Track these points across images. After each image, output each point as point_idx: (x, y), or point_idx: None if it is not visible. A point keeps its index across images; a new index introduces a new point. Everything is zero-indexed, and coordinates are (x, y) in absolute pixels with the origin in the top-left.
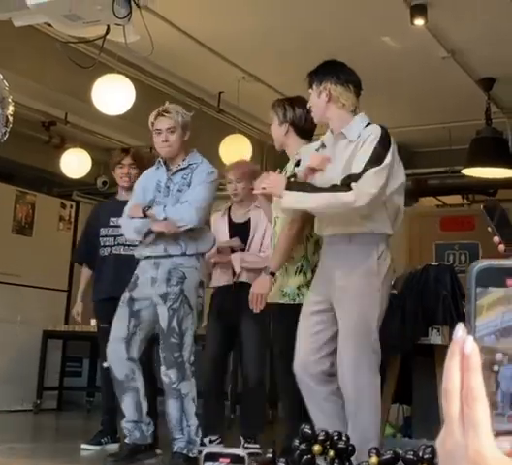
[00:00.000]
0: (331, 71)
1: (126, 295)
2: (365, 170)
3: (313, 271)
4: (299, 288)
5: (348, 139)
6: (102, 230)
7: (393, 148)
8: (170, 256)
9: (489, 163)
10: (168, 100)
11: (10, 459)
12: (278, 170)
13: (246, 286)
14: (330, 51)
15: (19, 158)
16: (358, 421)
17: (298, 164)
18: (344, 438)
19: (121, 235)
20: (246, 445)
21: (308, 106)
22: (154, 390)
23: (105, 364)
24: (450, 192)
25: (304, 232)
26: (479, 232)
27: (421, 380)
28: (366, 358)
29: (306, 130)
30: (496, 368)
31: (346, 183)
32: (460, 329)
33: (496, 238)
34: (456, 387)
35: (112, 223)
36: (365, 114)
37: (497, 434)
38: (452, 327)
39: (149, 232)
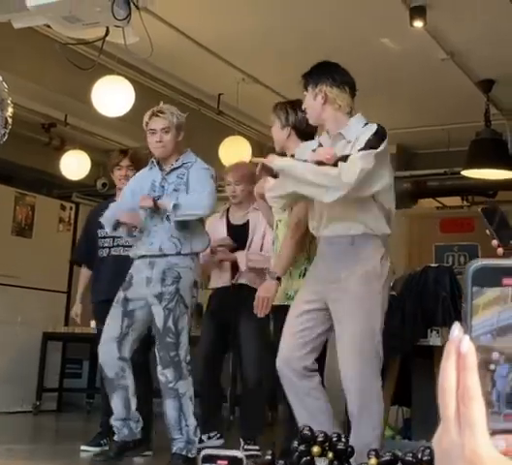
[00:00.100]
0: (326, 72)
1: (120, 295)
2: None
3: None
4: None
5: (347, 140)
6: (100, 231)
7: (385, 144)
8: (165, 255)
9: (488, 164)
10: (167, 101)
11: (9, 461)
12: None
13: (245, 288)
14: (329, 53)
15: (19, 159)
16: (361, 424)
17: None
18: (343, 439)
19: (120, 237)
20: (246, 446)
21: (303, 107)
22: (150, 392)
23: None
24: (449, 193)
25: (307, 237)
26: (478, 234)
27: (420, 381)
28: (370, 361)
29: (308, 133)
30: (492, 367)
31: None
32: (456, 329)
33: (495, 241)
34: (452, 386)
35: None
36: (361, 115)
37: (493, 433)
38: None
39: (117, 223)
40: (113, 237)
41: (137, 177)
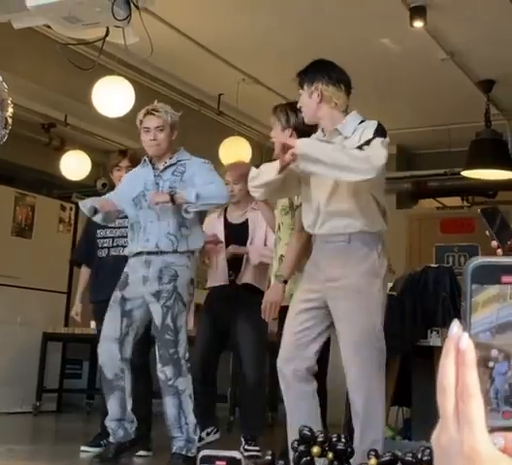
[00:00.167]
0: (321, 70)
1: (117, 295)
2: (371, 139)
3: None
4: None
5: (343, 136)
6: (100, 231)
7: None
8: (161, 252)
9: (488, 165)
10: (167, 102)
11: (9, 461)
12: None
13: (249, 287)
14: (329, 53)
15: (19, 160)
16: (365, 423)
17: None
18: (343, 440)
19: (119, 237)
20: (246, 447)
21: (298, 106)
22: (150, 393)
23: None
24: (450, 194)
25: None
26: (479, 235)
27: (420, 382)
28: (372, 359)
29: (308, 133)
30: (490, 365)
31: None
32: (455, 326)
33: (495, 242)
34: (451, 383)
35: (110, 224)
36: (357, 112)
37: (492, 430)
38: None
39: (94, 209)
40: (113, 238)
41: (128, 177)
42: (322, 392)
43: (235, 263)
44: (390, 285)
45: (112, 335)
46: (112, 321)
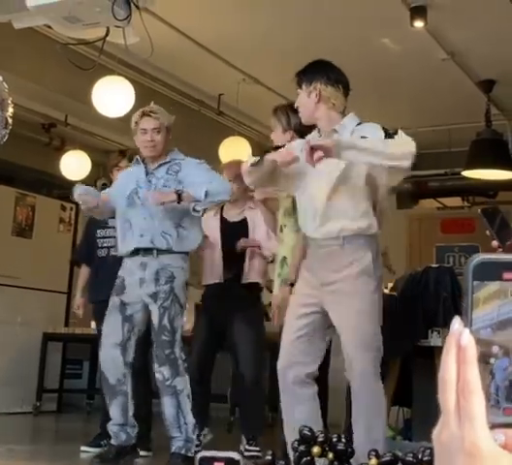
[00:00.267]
0: (320, 71)
1: (115, 300)
2: (390, 135)
3: None
4: None
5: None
6: (100, 231)
7: None
8: (156, 250)
9: (489, 165)
10: (168, 102)
11: (9, 461)
12: None
13: (254, 286)
14: (330, 53)
15: (19, 160)
16: (368, 423)
17: None
18: (343, 440)
19: None
20: (247, 447)
21: (296, 105)
22: (150, 393)
23: None
24: (450, 194)
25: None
26: (479, 235)
27: (421, 382)
28: (374, 360)
29: (306, 134)
30: (491, 361)
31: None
32: (456, 322)
33: (495, 242)
34: (452, 379)
35: (110, 224)
36: (354, 114)
37: (493, 426)
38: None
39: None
40: (113, 237)
41: (121, 176)
42: (323, 394)
43: (231, 261)
44: (390, 285)
45: (113, 341)
46: (113, 326)
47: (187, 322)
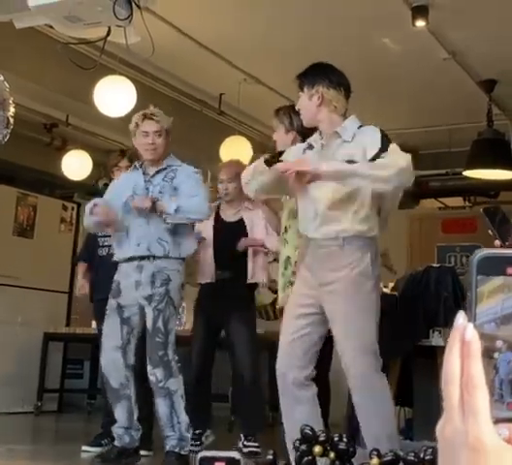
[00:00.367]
0: (321, 73)
1: (112, 303)
2: (384, 148)
3: None
4: None
5: (343, 139)
6: None
7: None
8: (153, 257)
9: (490, 165)
10: (169, 102)
11: (10, 461)
12: None
13: (254, 286)
14: (331, 53)
15: (21, 160)
16: (368, 425)
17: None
18: (345, 439)
19: None
20: (246, 443)
21: (297, 108)
22: (150, 393)
23: None
24: (451, 194)
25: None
26: (481, 235)
27: (422, 382)
28: (373, 360)
29: (309, 136)
30: (495, 355)
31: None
32: (460, 317)
33: (498, 242)
34: (456, 373)
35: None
36: (355, 117)
37: (497, 421)
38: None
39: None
40: None
41: (117, 183)
42: (324, 394)
43: (226, 261)
44: (391, 285)
45: (114, 344)
46: (112, 329)
47: (186, 321)
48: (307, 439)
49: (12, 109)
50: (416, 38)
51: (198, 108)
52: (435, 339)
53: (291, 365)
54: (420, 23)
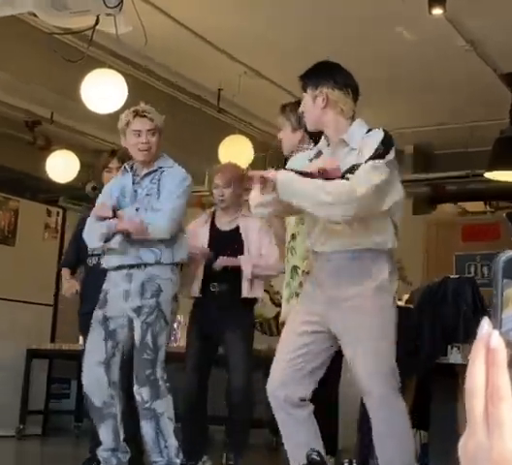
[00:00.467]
0: (326, 73)
1: (98, 314)
2: (371, 157)
3: None
4: None
5: (350, 147)
6: None
7: (393, 151)
8: (144, 265)
9: None
10: (163, 97)
11: None
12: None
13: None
14: (341, 43)
15: (1, 160)
16: (388, 449)
17: None
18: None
19: None
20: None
21: (300, 111)
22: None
23: None
24: (471, 198)
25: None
26: (504, 242)
27: (440, 403)
28: (392, 381)
29: (320, 135)
30: None
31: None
32: (485, 323)
33: None
34: (480, 384)
35: None
36: (362, 120)
37: None
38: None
39: (113, 235)
40: None
41: (108, 187)
42: (333, 414)
43: (223, 273)
44: (406, 297)
45: (96, 359)
46: (95, 343)
47: (181, 337)
48: (314, 464)
49: None
50: (433, 27)
51: (195, 105)
52: (454, 356)
53: (285, 383)
54: (437, 11)
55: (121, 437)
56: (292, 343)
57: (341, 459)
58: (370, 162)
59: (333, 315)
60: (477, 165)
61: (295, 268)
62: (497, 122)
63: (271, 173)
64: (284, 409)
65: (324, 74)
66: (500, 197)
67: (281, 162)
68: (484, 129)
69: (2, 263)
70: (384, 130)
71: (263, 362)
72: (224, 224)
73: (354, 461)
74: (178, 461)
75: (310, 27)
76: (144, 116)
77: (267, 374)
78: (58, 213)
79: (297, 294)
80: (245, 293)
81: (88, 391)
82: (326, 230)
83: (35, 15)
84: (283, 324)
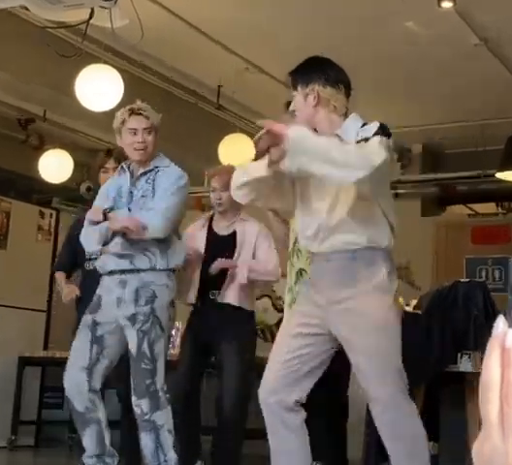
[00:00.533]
0: (317, 69)
1: (88, 318)
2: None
3: None
4: None
5: (345, 142)
6: None
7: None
8: (137, 271)
9: None
10: (160, 94)
11: None
12: None
13: (230, 307)
14: (346, 38)
15: None
16: (399, 458)
17: None
18: None
19: None
20: None
21: (291, 109)
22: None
23: None
24: (482, 199)
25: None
26: None
27: (449, 413)
28: (399, 381)
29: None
30: None
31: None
32: (501, 322)
33: None
34: (495, 384)
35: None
36: (357, 114)
37: None
38: (485, 353)
39: (112, 237)
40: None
41: (105, 188)
42: (342, 423)
43: (214, 280)
44: (414, 302)
45: (80, 364)
46: (80, 347)
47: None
48: None
49: None
50: (443, 21)
51: (193, 102)
52: (464, 364)
53: (279, 386)
54: (446, 4)
55: (107, 441)
56: (286, 345)
57: None
58: (377, 137)
59: (332, 317)
60: (488, 164)
61: (301, 272)
62: (510, 120)
63: (281, 127)
64: (277, 414)
65: (315, 70)
66: None
67: None
68: (496, 127)
69: None
70: (380, 122)
71: (263, 370)
72: (222, 228)
73: None
74: None
75: (319, 20)
76: (140, 114)
77: None
78: (51, 215)
79: None
80: (231, 300)
81: (69, 395)
82: (323, 228)
83: (27, 9)
84: None
